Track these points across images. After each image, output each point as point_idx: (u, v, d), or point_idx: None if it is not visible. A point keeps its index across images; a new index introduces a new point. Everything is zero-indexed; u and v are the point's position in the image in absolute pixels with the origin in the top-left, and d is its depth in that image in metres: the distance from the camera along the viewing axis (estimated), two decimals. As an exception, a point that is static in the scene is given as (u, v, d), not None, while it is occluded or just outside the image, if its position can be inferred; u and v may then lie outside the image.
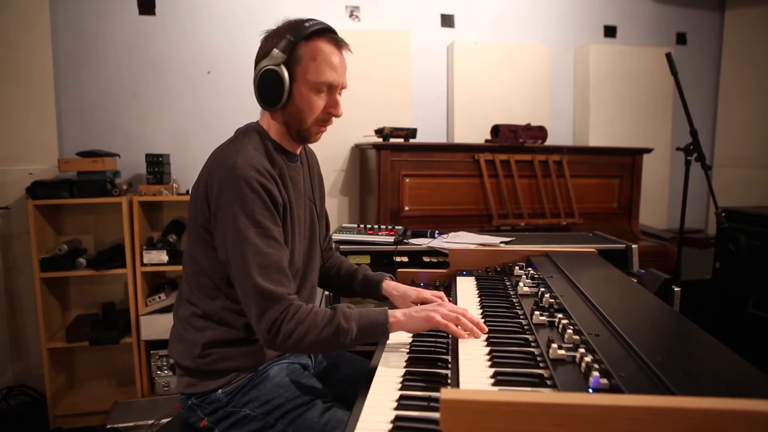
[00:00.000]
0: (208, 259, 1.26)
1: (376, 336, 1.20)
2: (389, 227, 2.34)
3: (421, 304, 1.47)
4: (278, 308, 1.15)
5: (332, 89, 1.29)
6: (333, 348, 1.19)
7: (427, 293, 1.45)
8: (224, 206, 1.18)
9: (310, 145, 1.51)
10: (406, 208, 2.78)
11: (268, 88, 1.26)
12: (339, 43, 1.29)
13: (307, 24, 1.25)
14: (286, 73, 1.24)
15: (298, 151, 1.39)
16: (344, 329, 1.15)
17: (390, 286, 1.52)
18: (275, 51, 1.24)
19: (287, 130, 1.32)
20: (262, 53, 1.28)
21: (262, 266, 1.15)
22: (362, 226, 2.35)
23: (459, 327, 1.18)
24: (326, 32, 1.28)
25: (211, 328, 1.27)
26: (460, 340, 1.18)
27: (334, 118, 1.33)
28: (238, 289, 1.19)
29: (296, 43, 1.24)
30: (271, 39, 1.27)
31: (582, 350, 0.95)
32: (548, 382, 0.94)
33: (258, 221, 1.17)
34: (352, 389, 1.36)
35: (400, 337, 1.26)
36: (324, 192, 1.58)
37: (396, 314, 1.21)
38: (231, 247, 1.18)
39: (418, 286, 1.59)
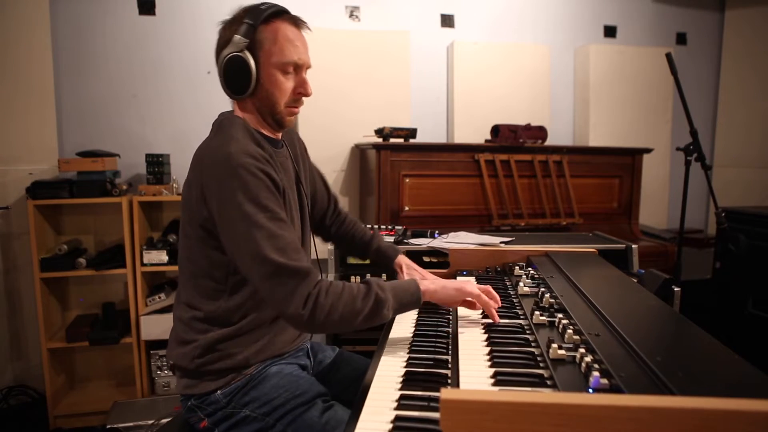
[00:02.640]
0: (208, 258, 1.23)
1: (410, 305, 1.23)
2: (389, 227, 2.33)
3: None
4: (309, 282, 1.12)
5: (298, 69, 1.28)
6: (374, 320, 1.18)
7: (432, 278, 1.54)
8: (228, 198, 1.14)
9: (303, 137, 1.54)
10: (406, 208, 2.78)
11: (235, 76, 1.24)
12: (297, 22, 1.28)
13: (263, 7, 1.25)
14: (251, 58, 1.23)
15: (279, 136, 1.37)
16: (382, 299, 1.16)
17: (402, 261, 1.62)
18: (236, 37, 1.22)
19: (261, 116, 1.30)
20: (223, 42, 1.26)
21: (279, 248, 1.12)
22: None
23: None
24: (283, 13, 1.27)
25: (213, 330, 1.26)
26: (459, 339, 1.18)
27: (305, 99, 1.32)
28: (257, 278, 1.14)
29: (256, 27, 1.22)
30: (228, 27, 1.26)
31: (582, 350, 0.95)
32: (548, 382, 0.94)
33: (265, 206, 1.14)
34: (352, 389, 1.35)
35: (400, 337, 1.26)
36: (310, 165, 1.56)
37: (426, 283, 1.26)
38: (242, 237, 1.13)
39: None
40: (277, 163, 1.29)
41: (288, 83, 1.27)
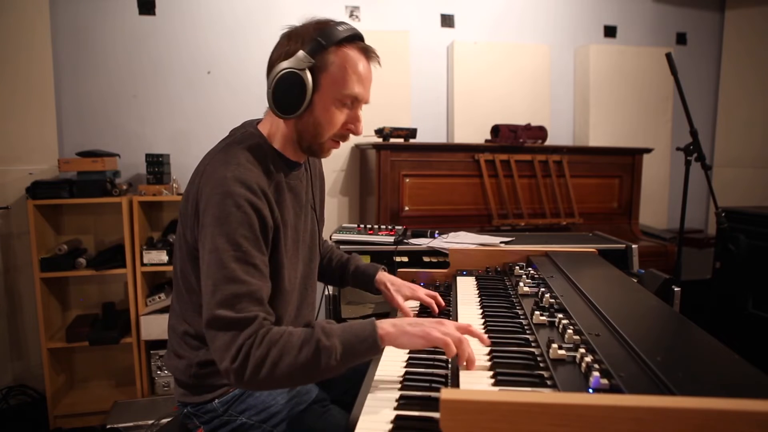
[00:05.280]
0: (197, 277, 1.15)
1: (364, 352, 1.02)
2: (389, 227, 2.33)
3: (414, 302, 1.48)
4: (246, 333, 0.99)
5: (356, 104, 1.18)
6: (315, 373, 1.00)
7: (422, 292, 1.45)
8: (207, 224, 1.06)
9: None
10: (406, 208, 2.78)
11: (287, 94, 1.12)
12: (369, 54, 1.17)
13: (339, 28, 1.12)
14: (310, 80, 1.11)
15: (302, 161, 1.28)
16: (326, 347, 0.98)
17: (384, 278, 1.48)
18: (301, 53, 1.10)
19: (298, 140, 1.19)
20: (284, 53, 1.13)
21: (232, 295, 1.01)
22: (362, 226, 2.35)
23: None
24: (357, 39, 1.16)
25: (204, 348, 1.20)
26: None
27: (352, 135, 1.22)
28: (203, 321, 1.04)
29: (326, 48, 1.11)
30: (295, 38, 1.13)
31: (582, 350, 0.95)
32: (548, 382, 0.94)
33: (238, 244, 1.04)
34: (351, 391, 1.34)
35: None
36: (324, 190, 1.51)
37: (385, 326, 1.03)
38: (205, 269, 1.05)
39: (419, 285, 1.58)
40: (284, 190, 1.20)
41: (341, 116, 1.16)
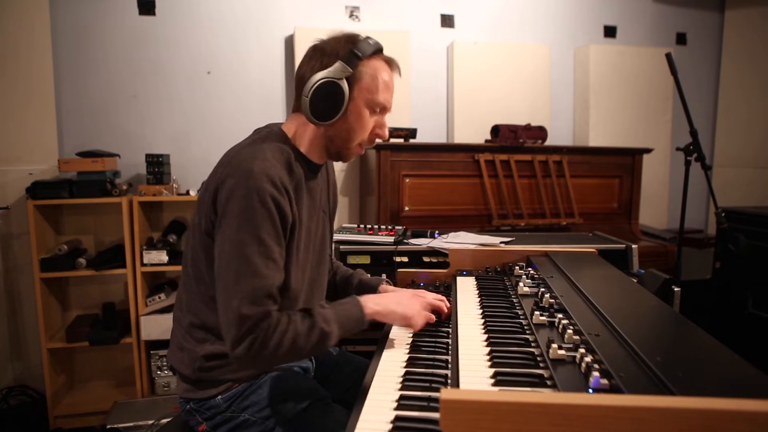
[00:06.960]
0: (209, 267, 1.19)
1: (355, 330, 1.22)
2: (389, 227, 2.33)
3: None
4: (261, 327, 1.08)
5: (384, 111, 1.27)
6: (317, 352, 1.26)
7: (428, 300, 1.41)
8: (230, 214, 1.10)
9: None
10: (406, 208, 2.78)
11: (324, 101, 1.18)
12: (392, 65, 1.27)
13: (370, 41, 1.22)
14: (347, 89, 1.19)
15: (322, 163, 1.33)
16: (327, 333, 1.15)
17: (386, 291, 1.49)
18: (339, 64, 1.17)
19: (327, 145, 1.26)
20: (318, 65, 1.20)
21: (256, 289, 1.09)
22: (362, 226, 2.35)
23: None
24: (382, 52, 1.26)
25: (210, 341, 1.23)
26: (459, 339, 1.18)
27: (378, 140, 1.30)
28: (220, 305, 1.11)
29: (361, 59, 1.19)
30: (329, 51, 1.20)
31: (582, 350, 0.95)
32: (548, 382, 0.94)
33: (262, 239, 1.10)
34: (353, 390, 1.35)
35: (399, 337, 1.26)
36: (336, 200, 1.52)
37: (371, 305, 1.24)
38: (226, 259, 1.10)
39: (418, 286, 1.59)
40: (302, 189, 1.24)
41: (370, 122, 1.25)
